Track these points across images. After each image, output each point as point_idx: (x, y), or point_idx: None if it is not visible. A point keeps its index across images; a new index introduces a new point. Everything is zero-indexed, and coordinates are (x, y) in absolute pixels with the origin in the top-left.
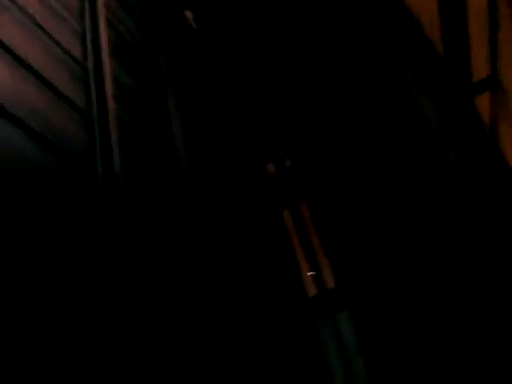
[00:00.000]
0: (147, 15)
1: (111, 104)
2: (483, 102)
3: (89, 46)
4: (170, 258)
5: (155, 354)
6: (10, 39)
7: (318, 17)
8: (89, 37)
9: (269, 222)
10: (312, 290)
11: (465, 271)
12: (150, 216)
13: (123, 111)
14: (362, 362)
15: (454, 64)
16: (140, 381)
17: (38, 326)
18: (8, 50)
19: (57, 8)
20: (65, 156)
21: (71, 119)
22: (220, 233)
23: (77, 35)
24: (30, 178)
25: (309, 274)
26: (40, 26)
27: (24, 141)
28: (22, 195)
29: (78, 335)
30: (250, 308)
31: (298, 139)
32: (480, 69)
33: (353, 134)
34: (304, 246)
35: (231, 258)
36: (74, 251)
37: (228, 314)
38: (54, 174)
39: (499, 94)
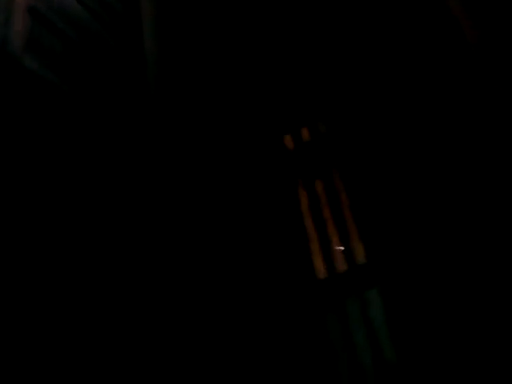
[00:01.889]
0: None
1: None
2: None
3: None
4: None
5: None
6: None
7: None
8: None
9: (293, 194)
10: (341, 266)
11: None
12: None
13: None
14: (391, 343)
15: None
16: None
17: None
18: None
19: None
20: None
21: None
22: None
23: None
24: None
25: (338, 248)
26: None
27: None
28: None
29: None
30: (274, 284)
31: (334, 99)
32: None
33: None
34: (335, 220)
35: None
36: None
37: (253, 290)
38: None
39: None
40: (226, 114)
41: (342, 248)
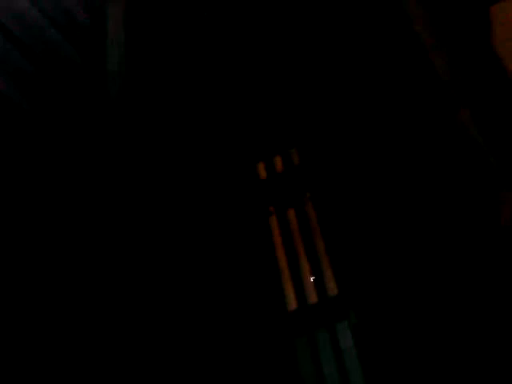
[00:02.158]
0: None
1: None
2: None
3: None
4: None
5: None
6: None
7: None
8: None
9: (260, 223)
10: (312, 297)
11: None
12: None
13: None
14: (361, 374)
15: None
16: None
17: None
18: None
19: None
20: None
21: None
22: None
23: None
24: None
25: (309, 279)
26: None
27: None
28: None
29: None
30: (243, 316)
31: (307, 128)
32: None
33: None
34: (307, 250)
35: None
36: None
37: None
38: None
39: None
40: (198, 138)
41: (313, 278)
